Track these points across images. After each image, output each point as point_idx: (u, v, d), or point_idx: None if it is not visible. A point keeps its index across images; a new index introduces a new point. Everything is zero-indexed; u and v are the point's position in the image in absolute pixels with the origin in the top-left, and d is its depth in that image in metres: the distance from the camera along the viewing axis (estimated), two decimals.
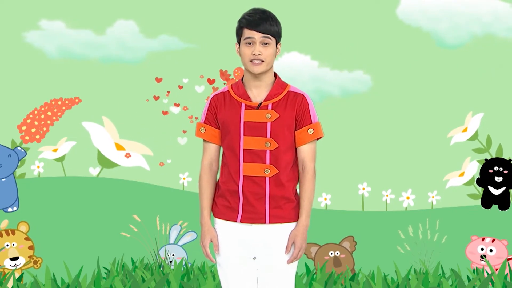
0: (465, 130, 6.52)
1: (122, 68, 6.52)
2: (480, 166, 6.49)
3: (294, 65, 6.50)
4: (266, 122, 3.53)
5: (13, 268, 6.30)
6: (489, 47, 6.49)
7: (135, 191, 6.55)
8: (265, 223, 3.55)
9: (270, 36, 3.51)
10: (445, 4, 6.53)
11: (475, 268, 6.38)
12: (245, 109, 3.55)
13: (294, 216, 3.60)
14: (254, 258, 3.59)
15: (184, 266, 6.36)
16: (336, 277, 6.27)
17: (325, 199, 6.54)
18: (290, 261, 3.57)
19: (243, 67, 3.62)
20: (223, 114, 3.59)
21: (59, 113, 6.51)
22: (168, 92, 6.55)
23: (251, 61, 3.51)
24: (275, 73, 3.63)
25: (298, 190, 3.66)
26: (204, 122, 3.65)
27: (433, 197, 6.54)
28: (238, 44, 3.58)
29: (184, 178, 6.58)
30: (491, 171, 6.46)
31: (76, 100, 6.52)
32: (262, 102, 3.55)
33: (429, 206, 6.55)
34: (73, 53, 6.53)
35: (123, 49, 6.53)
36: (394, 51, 6.52)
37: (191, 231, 6.50)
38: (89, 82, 6.51)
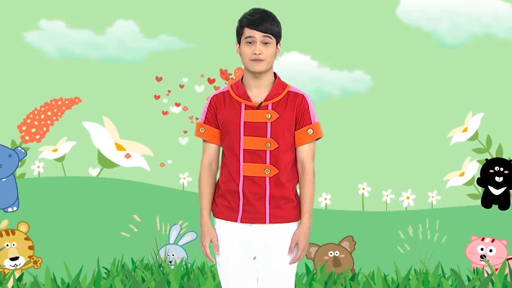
0: (465, 130, 6.52)
1: (122, 68, 6.52)
2: (480, 166, 6.49)
3: (294, 65, 6.50)
4: (266, 122, 3.53)
5: (13, 268, 6.31)
6: (489, 47, 6.49)
7: (135, 191, 6.55)
8: (265, 223, 3.55)
9: (270, 36, 3.52)
10: (445, 4, 6.53)
11: (475, 268, 6.38)
12: (245, 109, 3.56)
13: (294, 216, 3.61)
14: (254, 258, 3.59)
15: (184, 266, 6.36)
16: (336, 277, 6.27)
17: (325, 199, 6.54)
18: (292, 262, 3.57)
19: (243, 67, 3.62)
20: (223, 114, 3.59)
21: (59, 113, 6.51)
22: (169, 91, 6.55)
23: (251, 60, 3.51)
24: (274, 73, 3.64)
25: (298, 191, 3.66)
26: (203, 122, 3.65)
27: (433, 197, 6.54)
28: (238, 44, 3.59)
29: (184, 178, 6.58)
30: (491, 171, 6.46)
31: (76, 100, 6.52)
32: (262, 102, 3.56)
33: (429, 206, 6.55)
34: (73, 53, 6.53)
35: (123, 49, 6.53)
36: (394, 51, 6.52)
37: (191, 231, 6.50)
38: (89, 82, 6.51)
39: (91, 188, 6.53)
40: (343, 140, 6.45)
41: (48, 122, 6.49)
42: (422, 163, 6.51)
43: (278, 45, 3.58)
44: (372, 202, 6.58)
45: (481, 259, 6.39)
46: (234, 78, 6.50)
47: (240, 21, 3.56)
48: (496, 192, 6.46)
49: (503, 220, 6.45)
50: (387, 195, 6.58)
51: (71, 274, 6.14)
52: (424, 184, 6.54)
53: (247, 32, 3.52)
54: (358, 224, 6.51)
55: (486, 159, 6.47)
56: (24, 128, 6.47)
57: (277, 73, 3.66)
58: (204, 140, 3.67)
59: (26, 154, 6.44)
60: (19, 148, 6.42)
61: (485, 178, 6.47)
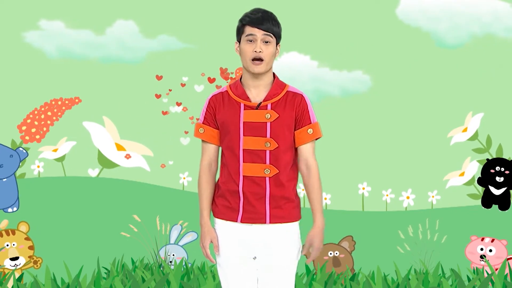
0: (465, 130, 6.52)
1: (122, 68, 6.52)
2: (480, 166, 6.49)
3: (293, 65, 6.50)
4: (266, 122, 3.53)
5: (13, 268, 6.31)
6: (488, 47, 6.49)
7: (135, 191, 6.55)
8: (265, 223, 3.55)
9: (271, 35, 3.52)
10: (445, 4, 6.53)
11: (475, 268, 6.38)
12: (244, 109, 3.55)
13: (294, 216, 3.61)
14: (254, 258, 3.59)
15: (184, 266, 6.36)
16: (336, 277, 6.27)
17: (325, 198, 6.54)
18: (309, 262, 3.61)
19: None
20: (222, 115, 3.59)
21: (59, 113, 6.51)
22: (170, 90, 6.55)
23: (252, 60, 3.51)
24: (273, 73, 3.64)
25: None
26: (202, 123, 3.65)
27: (433, 196, 6.54)
28: (238, 42, 3.59)
29: (184, 178, 6.58)
30: (492, 171, 6.46)
31: (76, 100, 6.52)
32: (261, 102, 3.56)
33: (429, 206, 6.55)
34: (72, 53, 6.53)
35: (122, 49, 6.53)
36: (394, 51, 6.52)
37: (191, 231, 6.50)
38: (89, 82, 6.51)
39: (91, 188, 6.53)
40: (343, 140, 6.45)
41: (48, 122, 6.49)
42: (422, 163, 6.51)
43: (277, 46, 3.58)
44: (372, 202, 6.58)
45: (481, 259, 6.39)
46: (234, 77, 6.50)
47: (242, 19, 3.57)
48: (497, 192, 6.46)
49: (503, 220, 6.45)
50: (387, 195, 6.58)
51: (71, 274, 6.14)
52: (424, 184, 6.54)
53: (248, 30, 3.52)
54: (358, 224, 6.51)
55: (487, 159, 6.47)
56: (24, 128, 6.47)
57: (277, 73, 3.66)
58: (203, 141, 3.67)
59: (28, 155, 6.44)
60: (21, 149, 6.43)
61: (485, 178, 6.47)
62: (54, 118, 6.50)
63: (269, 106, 3.55)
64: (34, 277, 6.00)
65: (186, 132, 6.54)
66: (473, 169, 6.50)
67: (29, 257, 6.35)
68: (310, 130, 3.58)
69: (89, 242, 6.41)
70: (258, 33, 3.51)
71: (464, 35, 6.53)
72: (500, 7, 6.51)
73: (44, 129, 6.49)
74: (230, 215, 3.59)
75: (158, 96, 6.53)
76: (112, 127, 6.54)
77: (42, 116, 6.48)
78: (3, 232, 6.33)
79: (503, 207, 6.46)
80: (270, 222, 3.55)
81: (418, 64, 6.52)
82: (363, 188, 6.57)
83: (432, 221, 6.47)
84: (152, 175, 6.56)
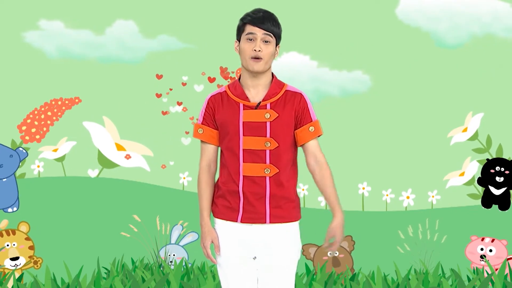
0: (465, 130, 6.52)
1: (122, 68, 6.53)
2: (480, 166, 6.49)
3: (293, 65, 6.50)
4: (266, 122, 3.53)
5: (13, 268, 6.31)
6: (488, 47, 6.49)
7: (135, 191, 6.55)
8: (265, 223, 3.55)
9: (271, 35, 3.53)
10: (444, 4, 6.53)
11: (475, 268, 6.38)
12: (243, 109, 3.55)
13: (294, 215, 3.61)
14: (254, 258, 3.59)
15: (184, 266, 6.36)
16: (336, 277, 6.27)
17: None
18: (330, 250, 3.61)
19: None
20: (221, 115, 3.59)
21: (59, 113, 6.51)
22: (170, 89, 6.55)
23: (251, 58, 3.52)
24: (272, 73, 3.64)
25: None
26: (201, 123, 3.64)
27: (433, 196, 6.53)
28: (238, 41, 3.59)
29: (184, 178, 6.58)
30: (492, 171, 6.46)
31: (76, 100, 6.53)
32: (260, 102, 3.56)
33: (429, 206, 6.55)
34: (72, 53, 6.54)
35: (122, 49, 6.54)
36: (394, 51, 6.52)
37: (192, 232, 6.50)
38: (89, 82, 6.51)
39: (91, 188, 6.53)
40: (342, 140, 6.45)
41: (48, 122, 6.49)
42: (422, 163, 6.51)
43: (277, 47, 3.59)
44: (372, 201, 6.58)
45: (481, 259, 6.39)
46: (234, 77, 6.50)
47: (243, 18, 3.57)
48: (497, 192, 6.46)
49: (503, 220, 6.45)
50: (387, 195, 6.58)
51: (71, 274, 6.14)
52: (424, 184, 6.54)
53: (249, 28, 3.53)
54: (358, 224, 6.51)
55: (487, 159, 6.47)
56: (24, 128, 6.48)
57: (277, 73, 3.67)
58: (202, 141, 3.67)
59: (27, 155, 6.44)
60: (20, 149, 6.43)
61: (485, 178, 6.47)
62: (54, 118, 6.50)
63: (268, 106, 3.55)
64: (34, 277, 6.00)
65: (187, 133, 6.54)
66: (473, 169, 6.50)
67: (29, 257, 6.35)
68: (311, 128, 3.59)
69: (89, 242, 6.41)
70: (259, 32, 3.51)
71: (464, 35, 6.53)
72: (500, 7, 6.51)
73: (44, 129, 6.50)
74: (230, 215, 3.59)
75: (158, 96, 6.53)
76: (112, 127, 6.54)
77: (42, 116, 6.49)
78: (4, 232, 6.34)
79: (503, 207, 6.46)
80: (270, 222, 3.55)
81: (418, 64, 6.52)
82: (363, 188, 6.57)
83: (432, 221, 6.47)
84: (152, 175, 6.56)
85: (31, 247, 6.35)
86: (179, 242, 6.49)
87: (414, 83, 6.53)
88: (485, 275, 6.29)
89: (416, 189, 6.56)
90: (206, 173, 3.66)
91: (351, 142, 6.52)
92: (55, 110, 6.50)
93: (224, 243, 3.61)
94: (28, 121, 6.47)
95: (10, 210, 6.40)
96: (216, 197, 3.65)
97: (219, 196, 3.63)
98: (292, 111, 3.56)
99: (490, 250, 6.40)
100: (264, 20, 3.52)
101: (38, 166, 6.50)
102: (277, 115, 3.54)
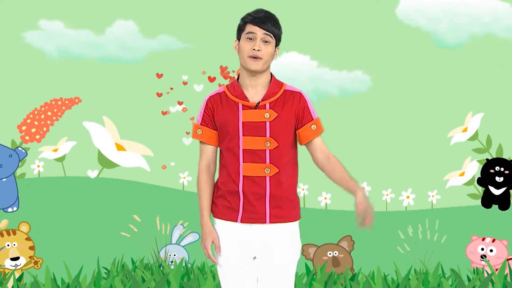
0: (465, 130, 6.51)
1: (122, 68, 6.52)
2: (480, 166, 6.48)
3: (293, 65, 6.50)
4: (265, 122, 3.53)
5: (14, 268, 6.31)
6: (488, 47, 6.48)
7: (135, 191, 6.55)
8: (265, 223, 3.55)
9: (271, 35, 3.53)
10: (444, 4, 6.53)
11: (475, 268, 6.38)
12: (243, 109, 3.56)
13: (294, 215, 3.61)
14: (254, 258, 3.59)
15: (184, 266, 6.36)
16: (336, 277, 6.27)
17: (325, 198, 6.54)
18: (365, 225, 3.64)
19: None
20: (220, 115, 3.59)
21: (59, 113, 6.51)
22: (171, 88, 6.54)
23: (249, 56, 3.52)
24: (270, 73, 3.65)
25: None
26: (200, 124, 3.64)
27: (433, 196, 6.53)
28: (237, 40, 3.59)
29: (184, 178, 6.58)
30: (492, 171, 6.46)
31: (76, 100, 6.53)
32: (260, 102, 3.56)
33: (429, 205, 6.54)
34: (72, 53, 6.54)
35: (122, 49, 6.53)
36: (394, 51, 6.52)
37: (193, 232, 6.50)
38: (89, 82, 6.51)
39: (91, 188, 6.53)
40: (342, 140, 6.44)
41: (48, 122, 6.49)
42: (422, 163, 6.51)
43: (276, 48, 3.59)
44: (372, 201, 6.56)
45: (482, 259, 6.39)
46: (234, 77, 6.50)
47: (244, 18, 3.58)
48: (497, 192, 6.46)
49: (503, 220, 6.45)
50: (387, 195, 6.58)
51: (71, 274, 6.14)
52: (424, 184, 6.54)
53: (249, 28, 3.53)
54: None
55: (487, 159, 6.47)
56: (24, 128, 6.48)
57: (276, 73, 3.68)
58: (201, 142, 3.66)
59: (27, 154, 6.44)
60: (20, 148, 6.43)
61: (485, 178, 6.47)
62: (54, 118, 6.50)
63: (267, 106, 3.55)
64: (34, 277, 6.01)
65: (188, 133, 6.54)
66: (473, 169, 6.50)
67: (30, 257, 6.35)
68: (313, 126, 3.60)
69: (89, 242, 6.41)
70: (259, 32, 3.52)
71: (464, 35, 6.53)
72: (500, 7, 6.50)
73: (44, 129, 6.50)
74: (230, 215, 3.59)
75: (159, 95, 6.53)
76: (112, 127, 6.54)
77: (42, 116, 6.49)
78: (4, 232, 6.34)
79: (503, 207, 6.46)
80: (270, 222, 3.55)
81: (418, 64, 6.52)
82: (363, 188, 6.56)
83: (432, 221, 6.47)
84: (152, 175, 6.56)
85: (31, 247, 6.35)
86: (180, 242, 6.49)
87: (414, 83, 6.52)
88: (485, 275, 6.29)
89: (416, 189, 6.56)
90: (206, 173, 3.66)
91: (351, 142, 6.51)
92: (55, 110, 6.50)
93: (224, 243, 3.61)
94: (28, 121, 6.47)
95: (10, 210, 6.40)
96: (216, 197, 3.65)
97: (219, 196, 3.63)
98: (291, 111, 3.56)
99: (491, 250, 6.39)
100: (265, 20, 3.52)
101: (38, 166, 6.51)
102: (277, 114, 3.54)
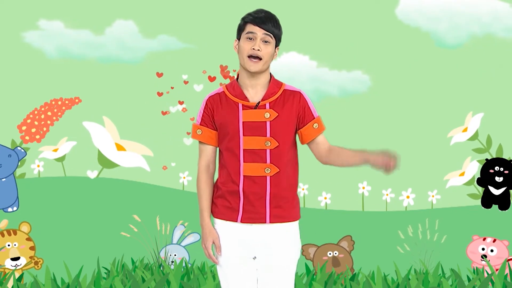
0: (465, 130, 6.51)
1: (122, 68, 6.52)
2: (480, 166, 6.48)
3: (292, 65, 6.50)
4: (265, 122, 3.54)
5: (14, 268, 6.31)
6: (488, 47, 6.48)
7: (135, 191, 6.55)
8: (265, 222, 3.55)
9: (271, 35, 3.54)
10: (444, 4, 6.53)
11: (475, 268, 6.38)
12: (243, 109, 3.56)
13: (294, 215, 3.61)
14: (254, 258, 3.59)
15: (184, 266, 6.36)
16: (336, 277, 6.27)
17: (325, 198, 6.53)
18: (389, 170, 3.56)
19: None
20: (220, 116, 3.59)
21: (59, 113, 6.51)
22: (172, 87, 6.54)
23: (249, 57, 3.52)
24: (270, 73, 3.65)
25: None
26: (200, 124, 3.64)
27: (433, 196, 6.53)
28: (237, 40, 3.60)
29: (184, 178, 6.57)
30: (491, 171, 6.45)
31: (76, 100, 6.53)
32: (259, 102, 3.56)
33: (429, 205, 6.54)
34: (72, 53, 6.53)
35: (122, 49, 6.53)
36: (393, 51, 6.52)
37: (194, 232, 6.49)
38: (88, 82, 6.51)
39: (91, 188, 6.53)
40: (342, 140, 6.37)
41: (48, 122, 6.49)
42: (422, 163, 6.50)
43: (276, 48, 3.59)
44: (372, 201, 6.57)
45: (482, 259, 6.39)
46: (234, 76, 6.50)
47: (244, 18, 3.59)
48: (496, 192, 6.46)
49: (503, 220, 6.45)
50: (387, 195, 6.58)
51: (71, 274, 6.15)
52: (424, 183, 6.53)
53: (249, 28, 3.53)
54: (358, 224, 6.51)
55: (486, 159, 6.47)
56: (24, 128, 6.48)
57: (276, 73, 3.68)
58: (200, 142, 3.66)
59: (26, 154, 6.44)
60: (19, 148, 6.43)
61: (485, 178, 6.47)
62: (54, 118, 6.50)
63: (267, 105, 3.56)
64: (34, 277, 6.01)
65: (188, 133, 6.54)
66: (473, 169, 6.50)
67: (30, 257, 6.35)
68: (315, 125, 3.61)
69: (89, 242, 6.41)
70: (259, 32, 3.52)
71: (463, 35, 6.53)
72: (500, 7, 6.50)
73: (44, 129, 6.50)
74: (230, 215, 3.59)
75: (160, 94, 6.53)
76: (112, 127, 6.54)
77: (42, 116, 6.49)
78: (5, 232, 6.34)
79: (503, 207, 6.46)
80: (270, 222, 3.55)
81: (417, 64, 6.51)
82: (363, 188, 6.57)
83: (432, 221, 6.47)
84: (152, 175, 6.56)
85: (32, 248, 6.35)
86: (180, 242, 6.49)
87: (414, 83, 6.52)
88: (485, 275, 6.29)
89: (416, 189, 6.56)
90: (205, 174, 3.66)
91: (351, 142, 6.43)
92: (55, 110, 6.50)
93: (224, 243, 3.61)
94: (28, 121, 6.48)
95: (10, 209, 6.40)
96: (216, 197, 3.65)
97: (219, 196, 3.63)
98: (292, 110, 3.57)
99: (492, 250, 6.39)
100: (265, 20, 3.53)
101: (38, 166, 6.51)
102: (277, 114, 3.55)
